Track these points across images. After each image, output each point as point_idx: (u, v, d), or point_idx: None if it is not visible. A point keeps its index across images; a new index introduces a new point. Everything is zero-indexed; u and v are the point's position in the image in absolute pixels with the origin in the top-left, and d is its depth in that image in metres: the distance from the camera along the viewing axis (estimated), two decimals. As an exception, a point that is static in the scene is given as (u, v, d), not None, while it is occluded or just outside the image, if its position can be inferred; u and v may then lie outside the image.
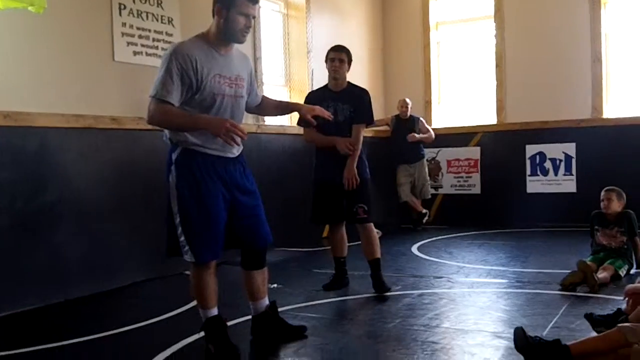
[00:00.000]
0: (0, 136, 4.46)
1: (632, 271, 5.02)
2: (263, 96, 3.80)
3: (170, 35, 5.87)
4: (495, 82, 8.75)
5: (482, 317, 3.94)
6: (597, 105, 8.14)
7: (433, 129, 8.59)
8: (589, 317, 3.49)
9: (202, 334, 3.42)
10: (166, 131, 3.34)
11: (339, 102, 4.73)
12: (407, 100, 8.39)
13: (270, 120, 7.17)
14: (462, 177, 8.97)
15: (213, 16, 3.32)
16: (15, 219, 4.55)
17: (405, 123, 8.41)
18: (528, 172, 8.52)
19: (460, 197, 8.96)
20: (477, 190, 8.87)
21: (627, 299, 3.33)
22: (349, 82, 4.85)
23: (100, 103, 5.25)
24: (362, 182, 4.69)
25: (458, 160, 8.98)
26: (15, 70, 4.65)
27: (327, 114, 3.74)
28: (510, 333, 3.25)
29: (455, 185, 9.01)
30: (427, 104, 9.21)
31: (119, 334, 3.84)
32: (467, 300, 4.44)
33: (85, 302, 4.79)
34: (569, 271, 4.71)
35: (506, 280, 4.98)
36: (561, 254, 6.06)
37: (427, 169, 8.56)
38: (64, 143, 4.91)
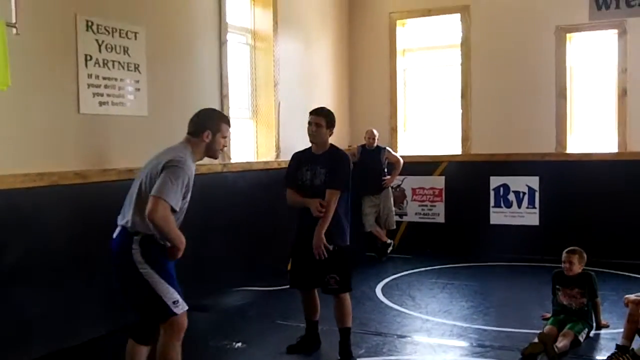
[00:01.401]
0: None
1: (592, 333, 5.13)
2: None
3: (137, 82, 5.79)
4: (460, 112, 8.83)
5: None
6: (561, 140, 8.28)
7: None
8: None
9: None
10: (128, 220, 3.66)
11: (317, 166, 4.66)
12: (375, 131, 8.42)
13: (237, 158, 7.14)
14: (426, 205, 9.05)
15: (196, 135, 3.88)
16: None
17: (371, 153, 8.46)
18: (492, 203, 8.65)
19: (425, 226, 9.05)
20: (441, 219, 8.97)
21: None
22: (331, 145, 4.77)
23: (66, 157, 5.16)
24: (336, 250, 4.57)
25: (423, 188, 9.06)
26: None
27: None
28: None
29: (420, 214, 9.10)
30: (393, 130, 9.25)
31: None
32: (431, 371, 4.51)
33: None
34: (529, 331, 4.81)
35: (468, 344, 5.05)
36: (523, 303, 6.18)
37: (392, 200, 8.63)
38: (27, 202, 4.81)
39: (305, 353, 4.83)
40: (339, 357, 4.65)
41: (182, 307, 3.68)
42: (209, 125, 3.88)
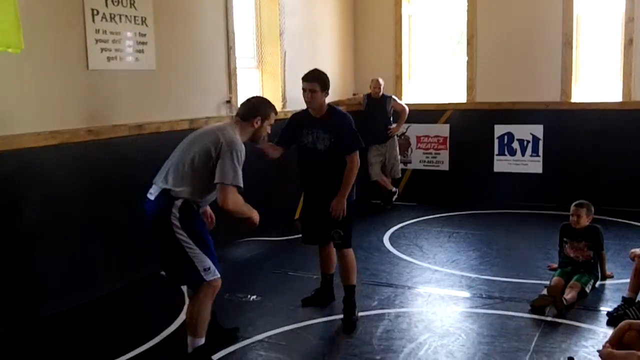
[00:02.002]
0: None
1: (597, 284, 5.25)
2: None
3: (144, 35, 5.73)
4: (466, 60, 8.78)
5: (459, 348, 4.15)
6: (566, 89, 8.26)
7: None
8: None
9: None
10: (171, 185, 3.76)
11: (319, 130, 4.59)
12: (380, 80, 8.38)
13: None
14: (430, 153, 9.10)
15: (247, 120, 4.02)
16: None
17: (377, 102, 8.43)
18: (496, 151, 8.69)
19: (429, 173, 9.11)
20: (445, 167, 9.03)
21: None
22: (329, 107, 4.66)
23: (76, 115, 5.16)
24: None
25: (427, 136, 9.08)
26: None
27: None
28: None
29: (424, 161, 9.15)
30: (398, 79, 9.20)
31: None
32: (442, 323, 4.64)
33: (64, 317, 4.87)
34: (537, 282, 4.93)
35: (478, 296, 5.16)
36: (529, 253, 6.30)
37: (397, 149, 8.66)
38: (41, 162, 4.83)
39: (319, 306, 4.92)
40: (342, 315, 4.63)
41: (212, 275, 3.79)
42: (260, 112, 4.03)
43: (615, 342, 3.59)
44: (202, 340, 3.86)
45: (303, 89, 4.57)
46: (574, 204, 5.38)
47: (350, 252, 4.70)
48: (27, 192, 4.73)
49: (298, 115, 4.88)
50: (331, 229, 4.64)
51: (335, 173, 4.56)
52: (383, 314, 4.73)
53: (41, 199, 4.83)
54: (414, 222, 7.70)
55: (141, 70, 5.76)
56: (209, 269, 3.77)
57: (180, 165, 3.79)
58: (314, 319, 4.74)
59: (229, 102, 6.92)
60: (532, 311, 4.76)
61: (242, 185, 3.78)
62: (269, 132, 4.19)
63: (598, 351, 3.63)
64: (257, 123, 4.01)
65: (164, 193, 3.75)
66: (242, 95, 7.25)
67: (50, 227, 4.90)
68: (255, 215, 3.91)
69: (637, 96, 7.93)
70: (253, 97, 4.25)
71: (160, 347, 4.32)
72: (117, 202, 5.39)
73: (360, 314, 4.70)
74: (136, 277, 5.57)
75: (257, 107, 4.07)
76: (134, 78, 5.70)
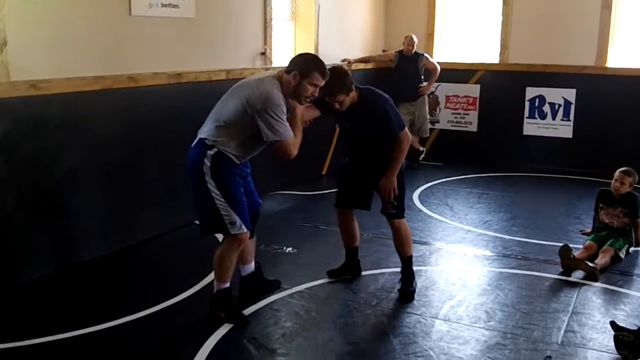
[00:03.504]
0: (24, 106, 4.40)
1: (632, 250, 5.26)
2: None
3: (184, -19, 5.67)
4: (500, 19, 8.66)
5: (499, 307, 4.19)
6: (602, 53, 8.14)
7: (434, 63, 8.56)
8: (613, 326, 3.67)
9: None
10: (206, 135, 3.77)
11: (353, 120, 4.26)
12: (414, 37, 8.27)
13: (277, 62, 7.09)
14: (459, 113, 9.05)
15: (288, 73, 3.77)
16: (40, 187, 4.58)
17: (408, 60, 8.34)
18: (526, 114, 8.63)
19: (456, 134, 9.07)
20: (473, 128, 8.98)
21: None
22: (359, 94, 4.17)
23: (119, 61, 5.15)
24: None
25: (457, 96, 9.02)
26: (31, 34, 4.49)
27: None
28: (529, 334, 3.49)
29: (452, 122, 9.10)
30: (430, 36, 9.10)
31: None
32: (480, 282, 4.71)
33: (104, 261, 4.95)
34: (572, 246, 4.95)
35: (513, 258, 5.18)
36: (560, 217, 6.32)
37: (427, 107, 8.60)
38: (84, 107, 4.84)
39: (346, 280, 4.69)
40: (398, 287, 4.49)
41: (238, 229, 3.78)
42: (298, 67, 3.74)
43: None
44: (225, 285, 3.94)
45: (328, 101, 4.11)
46: (620, 170, 5.34)
47: (403, 222, 4.44)
48: (71, 135, 4.74)
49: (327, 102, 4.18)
50: (371, 197, 4.48)
51: (379, 148, 4.29)
52: (419, 271, 4.74)
53: (84, 144, 4.84)
54: (442, 182, 7.69)
55: (181, 17, 5.72)
56: (235, 222, 3.76)
57: (216, 116, 3.79)
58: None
59: (263, 54, 6.87)
60: (563, 273, 4.79)
61: (291, 135, 3.74)
62: (315, 93, 3.80)
63: None
64: (294, 78, 3.72)
65: (200, 142, 3.78)
66: (277, 48, 7.22)
67: (90, 172, 4.92)
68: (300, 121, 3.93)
69: (674, 63, 7.82)
70: (302, 53, 4.05)
71: (194, 297, 4.39)
72: (153, 149, 5.42)
73: (397, 269, 4.71)
74: (172, 225, 5.61)
75: (298, 61, 3.82)
76: (174, 25, 5.67)
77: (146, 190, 5.43)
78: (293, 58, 3.93)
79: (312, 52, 7.67)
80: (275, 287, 4.44)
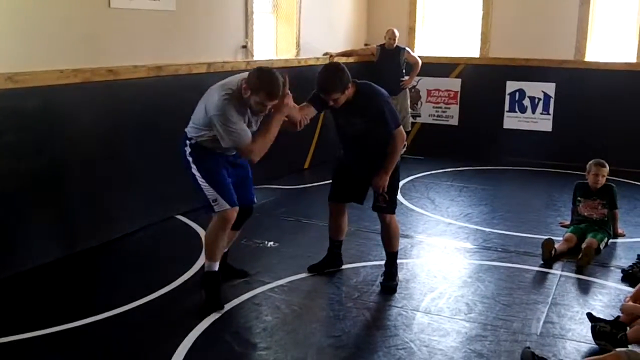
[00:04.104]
0: (4, 99, 4.35)
1: (610, 242, 5.32)
2: None
3: (166, -27, 5.64)
4: (481, 13, 8.70)
5: (479, 299, 4.23)
6: (581, 47, 8.23)
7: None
8: (590, 317, 3.73)
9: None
10: (187, 129, 4.05)
11: (349, 115, 4.21)
12: (395, 31, 8.27)
13: (258, 55, 7.07)
14: (440, 107, 9.09)
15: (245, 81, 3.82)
16: (22, 179, 4.54)
17: (390, 54, 8.35)
18: (506, 108, 8.69)
19: (438, 128, 9.11)
20: (454, 121, 9.03)
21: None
22: (355, 89, 4.14)
23: (98, 53, 5.11)
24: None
25: (438, 90, 9.05)
26: (8, 26, 4.44)
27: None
28: (509, 326, 3.52)
29: (434, 115, 9.14)
30: (411, 30, 9.12)
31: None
32: (460, 274, 4.75)
33: (85, 255, 4.92)
34: (552, 238, 5.01)
35: (493, 249, 5.23)
36: (540, 209, 6.40)
37: (409, 101, 8.62)
38: (62, 99, 4.80)
39: (327, 273, 4.66)
40: (381, 280, 4.50)
41: (220, 206, 3.96)
42: (250, 83, 3.74)
43: (638, 297, 3.68)
44: (214, 264, 4.08)
45: (326, 100, 4.10)
46: (594, 162, 5.39)
47: (394, 218, 4.42)
48: (50, 128, 4.70)
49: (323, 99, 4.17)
50: (366, 191, 4.48)
51: (374, 144, 4.25)
52: (401, 264, 4.73)
53: (62, 136, 4.80)
54: (424, 176, 7.73)
55: (161, 10, 5.69)
56: (216, 200, 3.95)
57: (192, 116, 4.05)
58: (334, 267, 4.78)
59: (245, 47, 6.85)
60: (543, 265, 4.84)
61: (249, 136, 3.83)
62: (263, 111, 3.86)
63: (621, 306, 3.72)
64: (245, 91, 3.75)
65: (184, 134, 4.06)
66: (259, 41, 7.20)
67: (70, 166, 4.89)
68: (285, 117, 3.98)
69: (652, 57, 7.91)
70: (264, 69, 3.83)
71: (176, 291, 4.38)
72: (133, 142, 5.38)
73: (379, 262, 4.74)
74: (154, 219, 5.59)
75: (252, 77, 3.75)
76: (154, 18, 5.63)
77: (127, 184, 5.38)
78: (252, 71, 3.82)
79: (294, 44, 7.68)
80: (241, 276, 4.52)
